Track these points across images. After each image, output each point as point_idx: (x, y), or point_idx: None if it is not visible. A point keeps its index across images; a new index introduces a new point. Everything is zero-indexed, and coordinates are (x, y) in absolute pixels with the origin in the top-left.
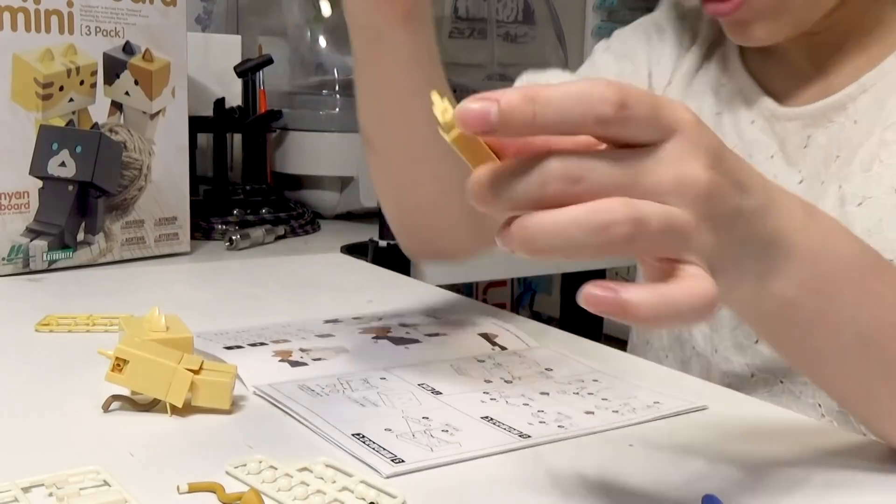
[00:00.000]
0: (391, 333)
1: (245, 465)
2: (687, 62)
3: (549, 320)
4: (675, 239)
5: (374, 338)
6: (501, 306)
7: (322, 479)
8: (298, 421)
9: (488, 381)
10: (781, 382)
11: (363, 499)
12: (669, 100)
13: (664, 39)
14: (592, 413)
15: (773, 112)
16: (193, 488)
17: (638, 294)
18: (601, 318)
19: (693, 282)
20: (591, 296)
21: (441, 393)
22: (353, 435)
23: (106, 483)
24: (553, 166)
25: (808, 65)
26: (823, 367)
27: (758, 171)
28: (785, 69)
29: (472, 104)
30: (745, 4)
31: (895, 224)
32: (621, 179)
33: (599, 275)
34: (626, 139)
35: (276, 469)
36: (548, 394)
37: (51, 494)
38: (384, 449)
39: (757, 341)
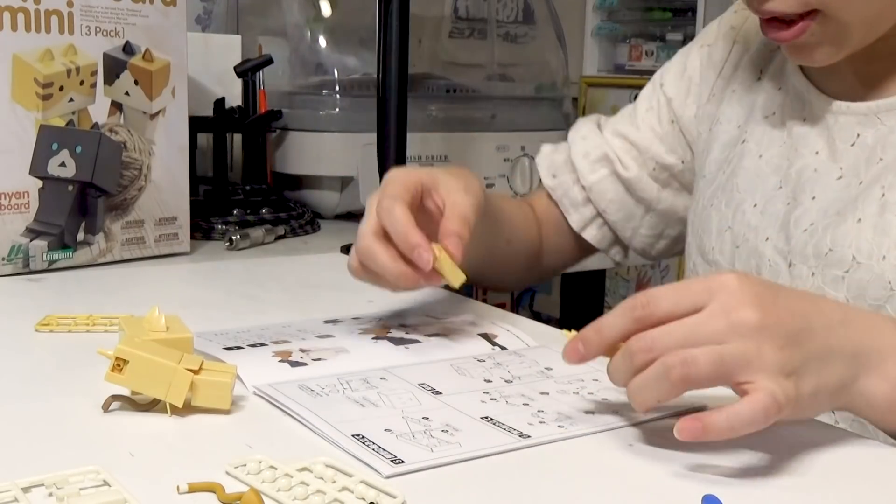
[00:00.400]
0: (391, 333)
1: (245, 465)
2: (741, 74)
3: (548, 320)
4: (731, 367)
5: (373, 338)
6: (501, 306)
7: (322, 479)
8: (298, 421)
9: (488, 381)
10: None
11: (363, 499)
12: (705, 276)
13: (710, 57)
14: (592, 413)
15: (826, 108)
16: (193, 488)
17: (714, 418)
18: None
19: (755, 395)
20: (684, 430)
21: (441, 393)
22: (352, 435)
23: (106, 483)
24: (632, 345)
25: (865, 69)
26: None
27: (828, 303)
28: (841, 73)
29: (570, 347)
30: (806, 32)
31: None
32: (682, 338)
33: (598, 274)
34: (677, 315)
35: (276, 469)
36: (548, 394)
37: (51, 494)
38: (384, 449)
39: None
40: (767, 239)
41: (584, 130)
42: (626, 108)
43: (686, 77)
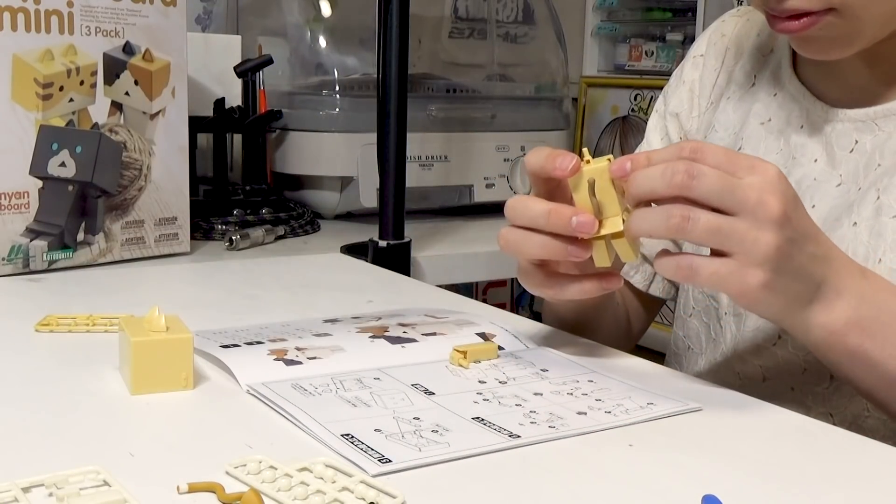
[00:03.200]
0: (388, 333)
1: (245, 465)
2: (735, 80)
3: None
4: (723, 238)
5: (371, 337)
6: (501, 306)
7: (322, 479)
8: (290, 420)
9: (482, 382)
10: (792, 390)
11: (363, 499)
12: (749, 155)
13: (704, 66)
14: (585, 414)
15: (824, 115)
16: (193, 488)
17: (678, 260)
18: None
19: (722, 265)
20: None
21: (434, 393)
22: (342, 435)
23: (106, 483)
24: (680, 170)
25: (864, 73)
26: (865, 394)
27: (825, 236)
28: (839, 77)
29: (619, 162)
30: (816, 25)
31: None
32: (720, 189)
33: None
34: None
35: (276, 469)
36: (541, 394)
37: (51, 494)
38: (372, 449)
39: (774, 344)
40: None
41: None
42: (640, 146)
43: (686, 89)
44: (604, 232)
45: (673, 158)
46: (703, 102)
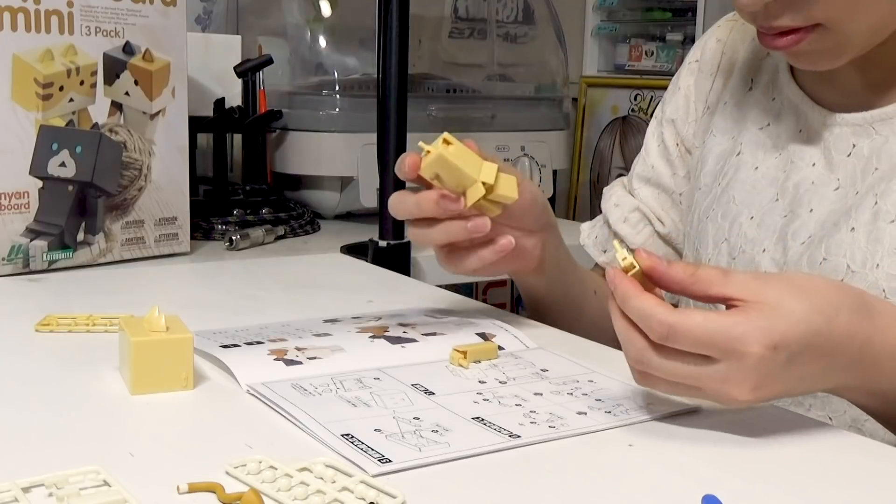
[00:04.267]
0: (389, 333)
1: (245, 465)
2: (732, 85)
3: None
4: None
5: (371, 337)
6: (501, 306)
7: (322, 479)
8: (290, 420)
9: (482, 382)
10: None
11: (363, 499)
12: (735, 329)
13: (699, 72)
14: (585, 413)
15: (822, 120)
16: (193, 488)
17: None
18: None
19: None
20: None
21: (434, 393)
22: (342, 435)
23: (106, 483)
24: (634, 357)
25: (858, 78)
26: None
27: (842, 366)
28: (835, 82)
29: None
30: (803, 42)
31: None
32: (676, 377)
33: None
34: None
35: (276, 469)
36: (541, 394)
37: (51, 494)
38: (372, 449)
39: None
40: (764, 251)
41: (615, 197)
42: (639, 155)
43: (682, 96)
44: (470, 202)
45: (648, 320)
46: (700, 108)
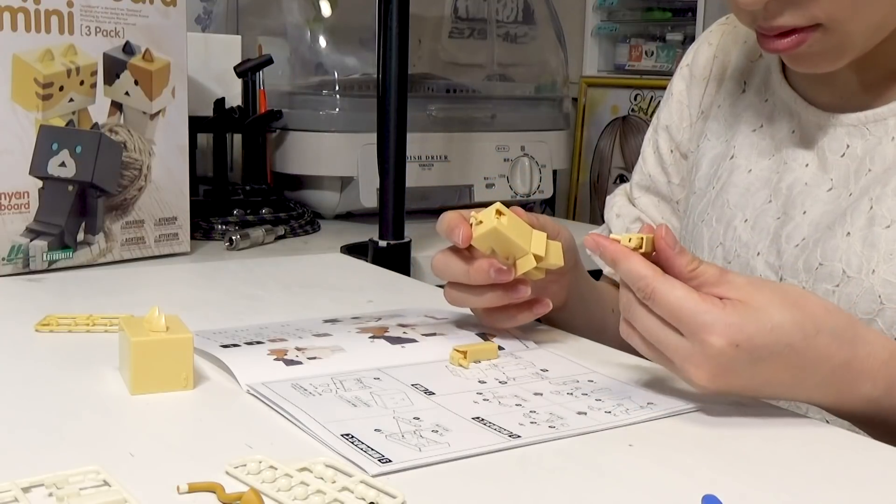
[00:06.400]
0: (388, 333)
1: (245, 465)
2: (724, 89)
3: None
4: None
5: (371, 337)
6: None
7: (322, 479)
8: (290, 420)
9: (482, 382)
10: None
11: (363, 499)
12: (705, 315)
13: (691, 77)
14: (585, 413)
15: (815, 120)
16: (193, 488)
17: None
18: None
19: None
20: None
21: (434, 393)
22: (342, 435)
23: (106, 483)
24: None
25: (853, 79)
26: None
27: (815, 369)
28: (829, 83)
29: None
30: (805, 43)
31: None
32: (651, 335)
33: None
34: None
35: (276, 469)
36: (541, 394)
37: (51, 494)
38: (372, 449)
39: None
40: (759, 254)
41: (616, 207)
42: (637, 162)
43: (675, 101)
44: (520, 272)
45: (628, 294)
46: (693, 113)
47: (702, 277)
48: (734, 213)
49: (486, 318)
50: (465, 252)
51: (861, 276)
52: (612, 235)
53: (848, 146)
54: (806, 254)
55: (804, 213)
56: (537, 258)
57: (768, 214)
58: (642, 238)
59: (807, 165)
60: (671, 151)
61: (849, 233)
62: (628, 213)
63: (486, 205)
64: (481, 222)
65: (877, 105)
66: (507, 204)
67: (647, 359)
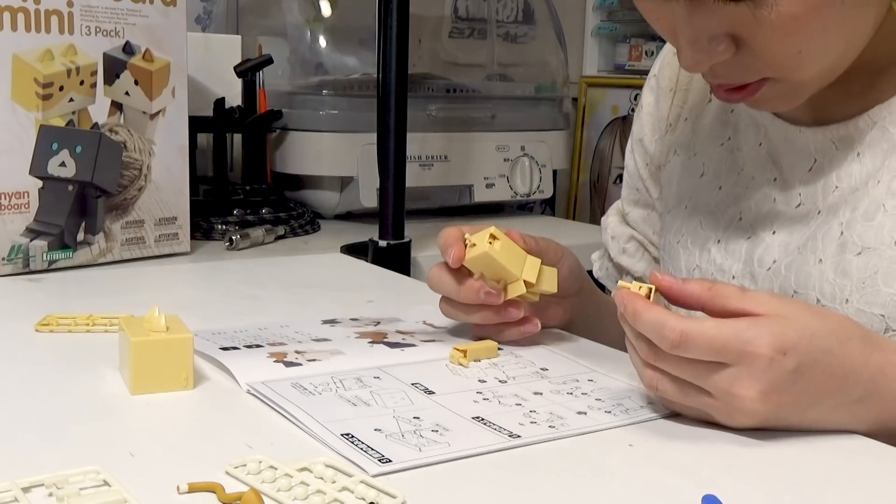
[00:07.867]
0: (387, 339)
1: (245, 465)
2: (690, 101)
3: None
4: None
5: (370, 342)
6: None
7: (322, 479)
8: (290, 420)
9: (482, 381)
10: None
11: (363, 499)
12: (746, 332)
13: (658, 88)
14: (585, 413)
15: (783, 133)
16: (193, 488)
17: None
18: None
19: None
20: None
21: (434, 393)
22: (342, 434)
23: (106, 483)
24: (650, 355)
25: (822, 94)
26: None
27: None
28: None
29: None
30: (758, 93)
31: (890, 278)
32: (685, 375)
33: None
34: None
35: (276, 469)
36: (541, 394)
37: (51, 494)
38: (372, 449)
39: None
40: (734, 277)
41: (610, 228)
42: (624, 175)
43: (645, 113)
44: (511, 296)
45: (650, 347)
46: (662, 125)
47: (723, 293)
48: (707, 235)
49: (475, 330)
50: (458, 270)
51: (835, 305)
52: (620, 283)
53: (815, 160)
54: (780, 279)
55: (773, 232)
56: (528, 284)
57: (739, 234)
58: (651, 288)
59: (774, 180)
60: (646, 165)
61: (821, 259)
62: (622, 233)
63: (485, 205)
64: (475, 245)
65: (843, 119)
66: (507, 204)
67: (678, 412)
